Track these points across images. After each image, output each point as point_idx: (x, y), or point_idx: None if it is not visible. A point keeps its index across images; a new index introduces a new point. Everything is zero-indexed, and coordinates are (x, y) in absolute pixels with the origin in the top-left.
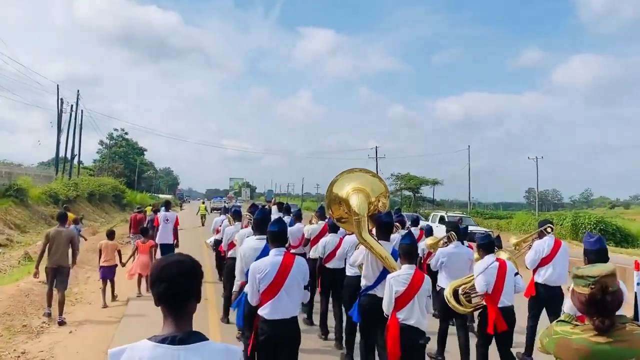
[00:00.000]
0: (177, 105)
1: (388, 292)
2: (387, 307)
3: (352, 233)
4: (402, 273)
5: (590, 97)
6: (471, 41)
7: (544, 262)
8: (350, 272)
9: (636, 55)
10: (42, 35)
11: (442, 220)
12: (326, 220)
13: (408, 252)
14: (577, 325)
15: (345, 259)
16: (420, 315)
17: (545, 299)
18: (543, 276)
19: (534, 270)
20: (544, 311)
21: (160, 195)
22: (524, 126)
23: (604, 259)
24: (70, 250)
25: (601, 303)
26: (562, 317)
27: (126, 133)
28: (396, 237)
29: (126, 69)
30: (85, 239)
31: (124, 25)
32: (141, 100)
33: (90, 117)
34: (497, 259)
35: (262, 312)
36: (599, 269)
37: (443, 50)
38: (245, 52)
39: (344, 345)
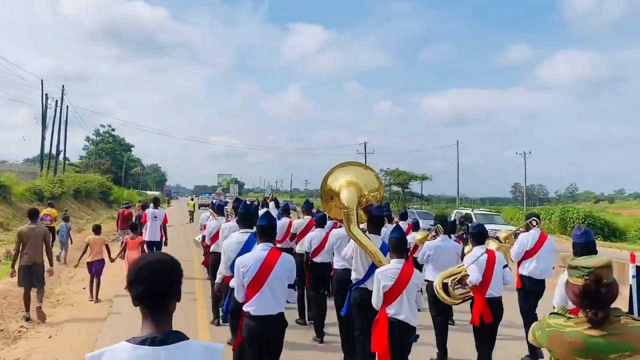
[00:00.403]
0: (165, 102)
1: (376, 287)
2: (375, 301)
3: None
4: (390, 267)
5: (576, 93)
6: (459, 37)
7: (528, 255)
8: (337, 265)
9: (621, 51)
10: (27, 31)
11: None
12: (312, 215)
13: (397, 246)
14: (570, 318)
15: (334, 253)
16: (409, 311)
17: (530, 291)
18: (527, 269)
19: (519, 263)
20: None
21: (148, 192)
22: (511, 122)
23: (592, 252)
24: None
25: (595, 295)
26: (555, 310)
27: (113, 129)
28: (384, 231)
29: (113, 65)
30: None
31: (111, 21)
32: (129, 96)
33: (76, 113)
34: (487, 250)
35: (248, 308)
36: (594, 260)
37: (431, 46)
38: (234, 48)
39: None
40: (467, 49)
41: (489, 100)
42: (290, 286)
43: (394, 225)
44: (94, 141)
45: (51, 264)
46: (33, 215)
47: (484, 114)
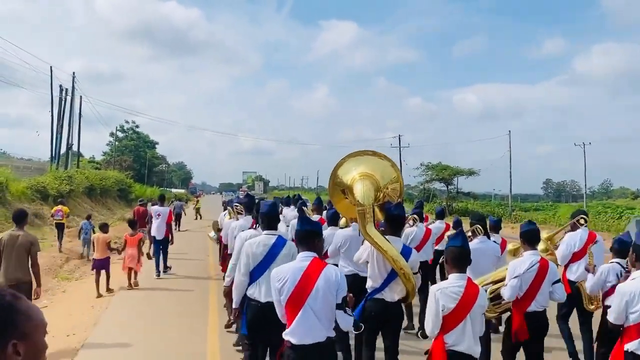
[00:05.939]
0: (193, 100)
1: (434, 309)
2: (431, 327)
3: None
4: (452, 284)
5: (610, 87)
6: (490, 31)
7: (576, 257)
8: (344, 270)
9: None
10: (61, 32)
11: None
12: (323, 212)
13: (458, 257)
14: None
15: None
16: (472, 340)
17: (577, 297)
18: (575, 273)
19: (566, 266)
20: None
21: (173, 190)
22: (541, 117)
23: None
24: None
25: None
26: None
27: (137, 126)
28: (411, 231)
29: (143, 65)
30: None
31: (142, 21)
32: (158, 95)
33: (93, 109)
34: (540, 260)
35: (289, 337)
36: None
37: (462, 40)
38: (262, 46)
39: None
40: (498, 42)
41: (519, 95)
42: (338, 306)
43: (457, 230)
44: (116, 136)
45: (38, 284)
46: (19, 218)
47: (515, 109)
